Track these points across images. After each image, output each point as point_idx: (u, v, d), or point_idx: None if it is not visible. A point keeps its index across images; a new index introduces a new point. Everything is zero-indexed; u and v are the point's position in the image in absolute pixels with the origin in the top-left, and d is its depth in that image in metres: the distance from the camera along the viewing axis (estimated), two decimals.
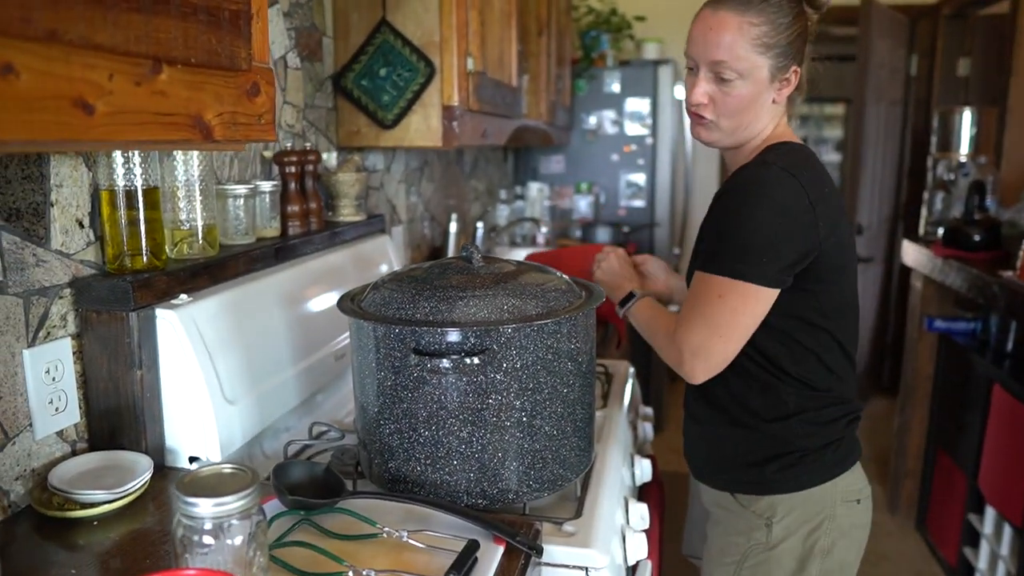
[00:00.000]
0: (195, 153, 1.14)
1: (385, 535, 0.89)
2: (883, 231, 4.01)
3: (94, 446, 1.05)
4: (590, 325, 1.08)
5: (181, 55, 0.71)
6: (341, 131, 1.78)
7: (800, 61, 1.16)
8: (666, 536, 1.57)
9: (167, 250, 1.14)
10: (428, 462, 0.98)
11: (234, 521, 0.70)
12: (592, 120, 3.70)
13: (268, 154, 1.48)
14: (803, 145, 1.20)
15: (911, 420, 2.91)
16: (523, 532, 0.91)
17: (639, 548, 1.14)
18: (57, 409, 0.99)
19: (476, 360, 0.93)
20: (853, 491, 1.20)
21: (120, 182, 1.02)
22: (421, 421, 0.97)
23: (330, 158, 1.73)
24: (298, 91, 1.60)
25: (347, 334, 1.16)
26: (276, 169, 1.47)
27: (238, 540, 0.70)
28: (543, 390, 0.99)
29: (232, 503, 0.68)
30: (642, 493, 1.44)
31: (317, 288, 1.41)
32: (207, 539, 0.69)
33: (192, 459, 1.08)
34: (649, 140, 3.68)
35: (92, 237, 1.05)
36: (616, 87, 3.65)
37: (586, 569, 0.96)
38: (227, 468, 0.73)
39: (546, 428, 1.00)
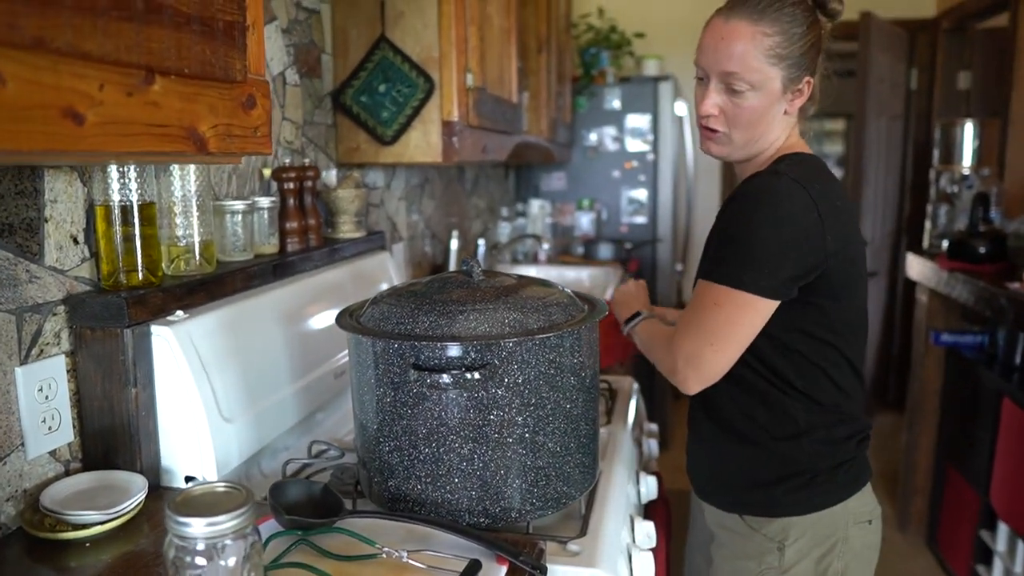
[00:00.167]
0: (192, 168, 1.13)
1: (385, 555, 0.87)
2: (886, 245, 3.99)
3: (88, 466, 1.03)
4: (593, 339, 1.06)
5: (174, 65, 0.70)
6: (341, 148, 1.77)
7: (813, 71, 1.14)
8: (673, 555, 1.53)
9: (164, 267, 1.13)
10: (429, 480, 0.96)
11: (228, 541, 0.67)
12: (593, 137, 3.71)
13: (267, 172, 1.47)
14: (815, 156, 1.17)
15: (919, 436, 2.88)
16: (526, 551, 0.89)
17: (646, 568, 1.11)
18: (50, 428, 0.97)
19: (477, 375, 0.92)
20: (864, 512, 1.17)
21: (115, 197, 1.00)
22: (421, 438, 0.95)
23: (329, 175, 1.72)
24: (297, 107, 1.59)
25: (347, 352, 1.15)
26: (275, 185, 1.46)
27: (232, 561, 0.68)
28: (546, 405, 0.97)
29: (225, 523, 0.66)
30: (648, 511, 1.41)
31: (316, 305, 1.40)
32: (200, 560, 0.67)
33: (188, 479, 1.06)
34: (650, 156, 3.68)
35: (87, 253, 1.04)
36: (617, 104, 3.66)
37: None
38: (221, 487, 0.71)
39: (549, 444, 0.98)
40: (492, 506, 0.96)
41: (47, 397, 0.96)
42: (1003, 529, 2.24)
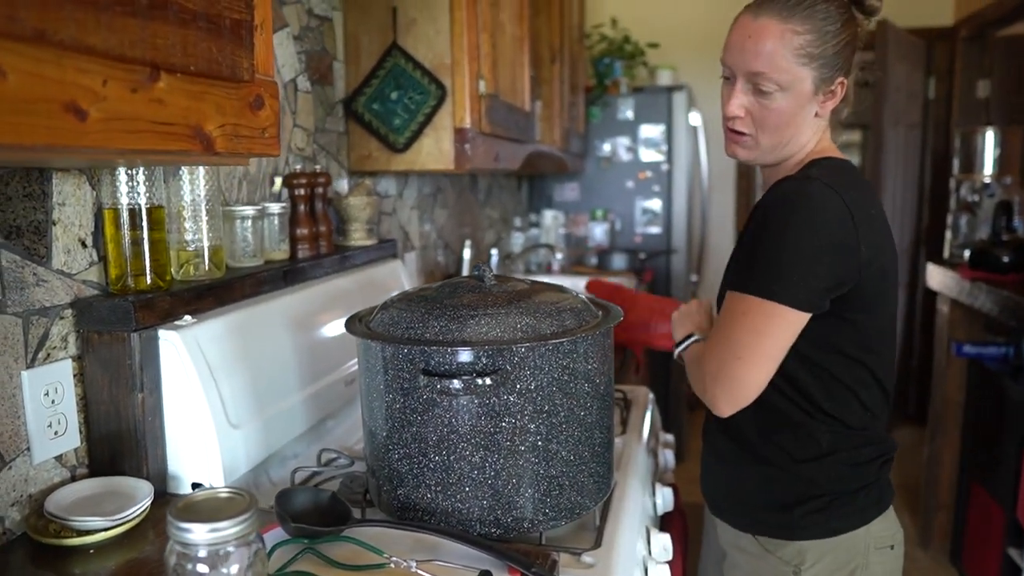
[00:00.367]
0: (201, 172, 1.12)
1: (393, 565, 0.84)
2: (905, 256, 3.94)
3: (95, 472, 1.01)
4: (607, 345, 1.04)
5: (180, 63, 0.69)
6: (353, 155, 1.76)
7: (848, 71, 1.08)
8: (689, 569, 1.50)
9: (173, 271, 1.12)
10: (439, 489, 0.94)
11: (230, 549, 0.65)
12: (606, 147, 3.69)
13: (279, 181, 1.46)
14: (848, 161, 1.12)
15: (941, 450, 2.81)
16: (539, 563, 0.86)
17: None
18: (56, 433, 0.96)
19: (488, 381, 0.89)
20: (886, 536, 1.11)
21: (124, 201, 1.00)
22: (431, 446, 0.93)
23: (341, 184, 1.71)
24: (309, 114, 1.59)
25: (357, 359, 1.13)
26: (285, 191, 1.45)
27: (235, 569, 0.66)
28: (559, 413, 0.94)
29: (228, 529, 0.64)
30: (664, 523, 1.38)
31: (326, 312, 1.38)
32: (201, 568, 0.65)
33: (195, 485, 1.04)
34: (664, 166, 3.65)
35: (95, 257, 1.03)
36: (630, 114, 3.65)
37: None
38: (224, 492, 0.69)
39: (562, 453, 0.95)
40: (504, 516, 0.94)
41: (53, 402, 0.95)
42: None
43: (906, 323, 4.05)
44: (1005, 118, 3.57)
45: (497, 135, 1.90)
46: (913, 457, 3.39)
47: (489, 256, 2.92)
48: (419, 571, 0.83)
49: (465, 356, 0.91)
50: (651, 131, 3.64)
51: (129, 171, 1.00)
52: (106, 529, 0.88)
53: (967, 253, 2.57)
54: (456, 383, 0.89)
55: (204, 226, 1.13)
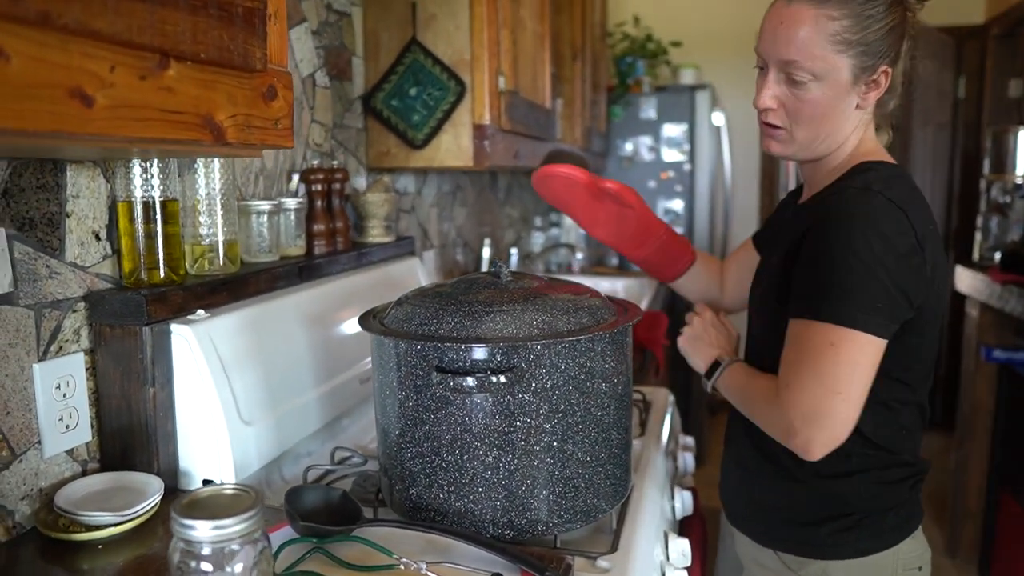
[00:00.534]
0: (217, 166, 1.11)
1: (403, 566, 0.82)
2: None
3: (106, 466, 1.01)
4: (626, 344, 1.01)
5: (190, 50, 0.68)
6: (371, 152, 1.75)
7: (894, 60, 1.00)
8: (709, 575, 1.46)
9: (187, 266, 1.11)
10: (451, 489, 0.92)
11: (235, 546, 0.64)
12: (628, 147, 3.66)
13: (296, 178, 1.45)
14: (900, 167, 1.03)
15: (969, 457, 2.74)
16: (553, 567, 0.84)
17: None
18: (68, 427, 0.95)
19: (503, 378, 0.87)
20: (914, 558, 1.06)
21: (138, 193, 0.99)
22: (444, 445, 0.91)
23: (360, 180, 1.70)
24: (327, 110, 1.58)
25: None
26: (303, 188, 1.44)
27: (239, 568, 0.64)
28: (575, 412, 0.92)
29: (232, 526, 0.63)
30: (683, 528, 1.35)
31: (342, 309, 1.37)
32: (205, 566, 0.63)
33: (206, 482, 1.02)
34: (687, 166, 3.61)
35: (109, 250, 1.02)
36: (652, 113, 3.61)
37: None
38: (229, 489, 0.68)
39: (578, 454, 0.93)
40: (517, 518, 0.91)
41: (65, 395, 0.95)
42: None
43: None
44: None
45: (517, 132, 1.88)
46: (940, 464, 3.31)
47: (509, 255, 2.90)
48: (429, 573, 0.81)
49: (479, 353, 0.89)
50: (674, 130, 3.61)
51: (143, 164, 0.99)
52: (115, 525, 0.87)
53: (998, 255, 2.51)
54: (470, 380, 0.87)
55: (219, 220, 1.13)
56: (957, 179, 4.01)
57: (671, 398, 1.65)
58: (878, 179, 0.98)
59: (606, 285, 3.15)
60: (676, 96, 3.58)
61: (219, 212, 1.12)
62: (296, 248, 1.37)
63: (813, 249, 0.97)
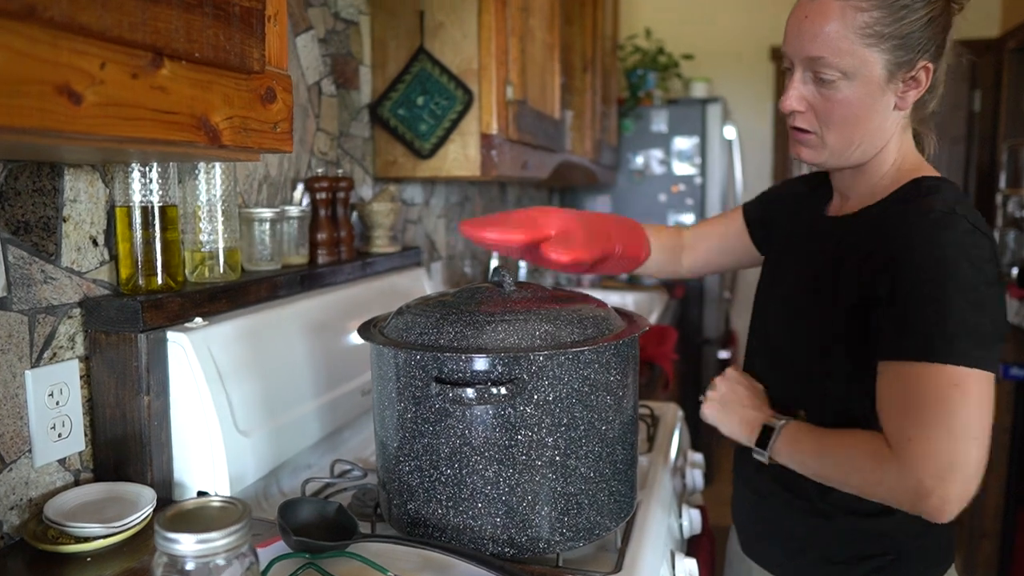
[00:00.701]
0: (218, 172, 1.10)
1: None
2: None
3: (99, 476, 0.99)
4: (632, 356, 0.98)
5: (184, 48, 0.66)
6: (378, 161, 1.74)
7: (936, 55, 0.91)
8: None
9: (186, 273, 1.09)
10: (450, 504, 0.89)
11: (220, 561, 0.61)
12: (639, 160, 3.64)
13: (300, 187, 1.43)
14: (955, 184, 0.95)
15: (987, 476, 2.68)
16: None
17: None
18: (60, 435, 0.93)
19: (503, 390, 0.84)
20: None
21: (136, 199, 0.97)
22: (443, 458, 0.88)
23: (366, 190, 1.68)
24: (333, 119, 1.57)
25: None
26: (307, 196, 1.43)
27: None
28: (579, 426, 0.89)
29: (217, 540, 0.60)
30: (691, 547, 1.31)
31: (345, 319, 1.35)
32: None
33: (200, 494, 1.00)
34: (698, 180, 3.59)
35: (107, 256, 1.01)
36: (663, 126, 3.59)
37: None
38: (216, 501, 0.65)
39: (582, 469, 0.90)
40: (518, 535, 0.88)
41: (58, 403, 0.93)
42: None
43: None
44: None
45: (525, 142, 1.86)
46: None
47: (517, 267, 2.88)
48: None
49: (480, 363, 0.86)
50: (685, 144, 3.58)
51: (143, 168, 0.97)
52: (104, 536, 0.85)
53: (1015, 271, 2.46)
54: (470, 392, 0.84)
55: (220, 227, 1.11)
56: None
57: (680, 413, 1.62)
58: (953, 201, 0.89)
59: (615, 298, 3.12)
60: (687, 109, 3.56)
61: (220, 219, 1.11)
62: (299, 257, 1.35)
63: (907, 284, 0.87)
